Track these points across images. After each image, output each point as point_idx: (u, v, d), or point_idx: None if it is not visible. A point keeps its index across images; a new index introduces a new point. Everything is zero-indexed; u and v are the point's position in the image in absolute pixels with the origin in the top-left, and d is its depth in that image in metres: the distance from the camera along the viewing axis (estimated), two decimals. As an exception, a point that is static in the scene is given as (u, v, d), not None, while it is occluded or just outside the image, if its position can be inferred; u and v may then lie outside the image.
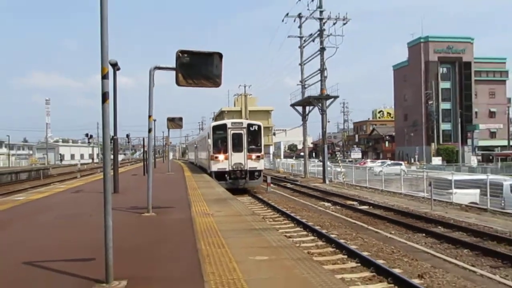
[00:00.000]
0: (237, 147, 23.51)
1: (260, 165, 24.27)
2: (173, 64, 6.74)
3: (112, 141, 13.78)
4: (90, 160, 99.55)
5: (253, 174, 23.80)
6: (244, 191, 24.10)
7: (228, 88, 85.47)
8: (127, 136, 58.65)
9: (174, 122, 20.47)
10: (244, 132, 23.70)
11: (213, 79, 6.66)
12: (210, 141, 23.88)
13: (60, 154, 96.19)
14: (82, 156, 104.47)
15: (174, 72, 6.70)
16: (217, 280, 4.62)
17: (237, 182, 23.39)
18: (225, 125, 24.35)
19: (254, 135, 24.06)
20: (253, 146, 23.90)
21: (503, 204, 18.20)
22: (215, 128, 24.43)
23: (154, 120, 20.75)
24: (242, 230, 7.63)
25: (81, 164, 67.05)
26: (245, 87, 67.99)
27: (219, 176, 22.94)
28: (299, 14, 38.35)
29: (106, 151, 4.72)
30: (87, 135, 68.24)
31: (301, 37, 39.83)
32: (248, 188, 24.54)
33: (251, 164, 23.52)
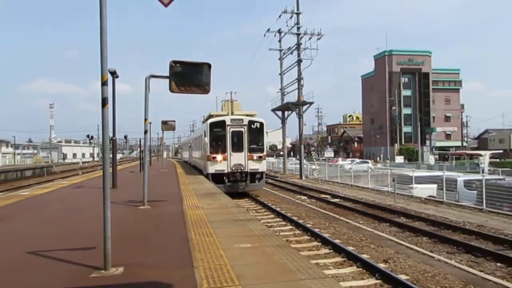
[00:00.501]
0: (237, 147, 19.19)
1: (262, 166, 19.80)
2: (166, 73, 6.71)
3: (111, 141, 13.64)
4: (91, 159, 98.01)
5: (254, 176, 19.59)
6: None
7: (216, 94, 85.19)
8: (125, 137, 57.81)
9: (168, 125, 20.31)
10: (244, 130, 19.24)
11: (203, 87, 6.63)
12: (207, 139, 19.32)
13: (63, 153, 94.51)
14: (83, 155, 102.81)
15: (167, 80, 6.67)
16: (206, 266, 4.59)
17: (236, 185, 19.22)
18: (223, 122, 19.48)
19: (256, 134, 19.62)
20: (255, 146, 19.49)
21: (457, 198, 18.49)
22: (212, 125, 19.58)
23: (150, 123, 20.51)
24: (228, 220, 7.60)
25: (83, 162, 66.04)
26: (231, 93, 67.83)
27: (217, 178, 18.78)
28: (279, 29, 38.63)
29: (106, 151, 4.68)
30: (88, 136, 66.95)
31: (280, 50, 40.11)
32: (248, 191, 20.28)
33: (252, 166, 19.28)
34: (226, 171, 18.95)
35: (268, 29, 38.67)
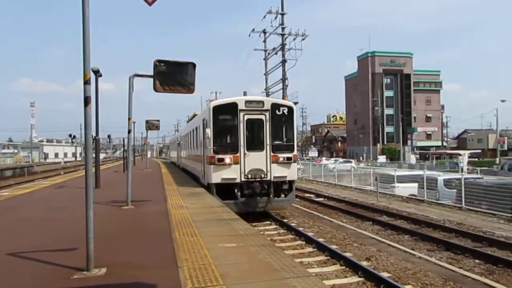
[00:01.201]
0: (255, 143, 12.84)
1: (292, 172, 13.19)
2: (151, 72, 6.65)
3: (94, 141, 13.46)
4: (73, 159, 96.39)
5: (280, 187, 13.10)
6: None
7: (201, 94, 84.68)
8: (109, 136, 57.03)
9: (152, 124, 20.15)
10: (266, 117, 12.80)
11: (188, 86, 6.58)
12: (208, 132, 12.68)
13: (44, 153, 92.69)
14: (65, 154, 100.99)
15: (151, 79, 6.60)
16: (190, 266, 4.57)
17: (254, 202, 12.69)
18: (234, 105, 12.79)
19: (283, 123, 13.21)
20: (281, 142, 13.16)
21: (437, 196, 18.80)
22: (217, 110, 12.84)
23: (134, 122, 20.33)
24: (213, 220, 7.58)
25: (65, 162, 64.90)
26: (216, 93, 67.56)
27: (224, 191, 12.41)
28: (264, 30, 38.64)
29: (88, 150, 4.61)
30: (70, 135, 65.88)
31: (265, 50, 40.14)
32: (271, 211, 13.96)
33: (277, 171, 12.81)
34: (238, 181, 12.50)
35: (253, 29, 38.63)
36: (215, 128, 12.74)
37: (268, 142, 12.79)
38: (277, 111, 12.94)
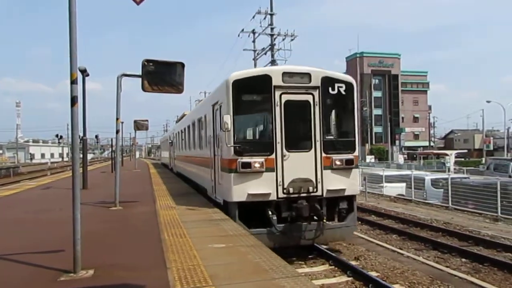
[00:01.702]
0: (299, 139, 8.65)
1: (353, 183, 8.86)
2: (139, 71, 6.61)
3: (81, 141, 13.31)
4: (60, 159, 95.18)
5: (335, 205, 8.84)
6: None
7: (190, 94, 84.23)
8: (96, 136, 56.43)
9: (141, 124, 20.02)
10: (315, 98, 8.53)
11: (176, 86, 6.56)
12: (227, 121, 7.81)
13: (30, 153, 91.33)
14: (52, 155, 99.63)
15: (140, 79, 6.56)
16: (179, 267, 4.54)
17: (298, 231, 8.33)
18: (267, 78, 8.30)
19: (339, 108, 9.25)
20: (336, 137, 9.17)
21: (425, 196, 19.01)
22: (240, 87, 8.29)
23: (122, 122, 20.13)
24: (202, 221, 7.55)
25: (51, 163, 64.07)
26: (205, 93, 67.48)
27: (251, 213, 8.12)
28: (253, 30, 38.66)
29: (75, 151, 4.56)
30: (57, 135, 65.06)
31: (254, 51, 40.16)
32: (325, 243, 9.44)
33: (332, 182, 8.52)
34: (273, 197, 8.13)
35: (242, 30, 38.65)
36: (237, 115, 8.14)
37: (318, 137, 8.35)
38: (330, 89, 8.53)
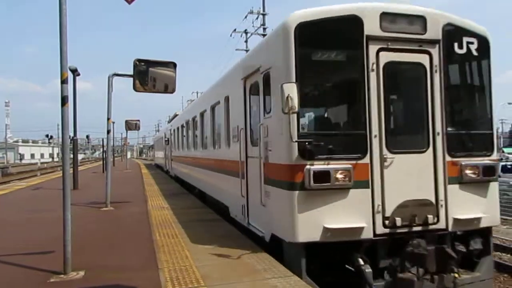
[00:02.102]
0: (409, 130, 5.36)
1: (491, 207, 5.22)
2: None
3: (72, 141, 13.22)
4: (51, 159, 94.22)
5: (466, 245, 5.12)
6: None
7: (182, 94, 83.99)
8: (87, 137, 56.07)
9: (132, 124, 19.86)
10: (433, 60, 5.01)
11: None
12: (291, 94, 4.20)
13: (20, 154, 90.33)
14: (42, 155, 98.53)
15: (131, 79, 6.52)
16: (171, 267, 4.52)
17: None
18: (356, 22, 4.77)
19: (469, 77, 5.57)
20: (466, 128, 5.33)
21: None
22: (308, 36, 4.69)
23: (113, 122, 19.96)
24: (194, 221, 7.53)
25: (41, 163, 63.34)
26: (197, 93, 67.38)
27: (326, 259, 4.63)
28: (245, 30, 38.81)
29: (66, 151, 4.54)
30: (47, 135, 64.56)
31: (247, 51, 40.24)
32: None
33: (462, 207, 4.98)
34: (369, 234, 4.69)
35: (235, 30, 38.73)
36: (304, 87, 4.71)
37: (438, 129, 5.10)
38: (457, 46, 5.25)
